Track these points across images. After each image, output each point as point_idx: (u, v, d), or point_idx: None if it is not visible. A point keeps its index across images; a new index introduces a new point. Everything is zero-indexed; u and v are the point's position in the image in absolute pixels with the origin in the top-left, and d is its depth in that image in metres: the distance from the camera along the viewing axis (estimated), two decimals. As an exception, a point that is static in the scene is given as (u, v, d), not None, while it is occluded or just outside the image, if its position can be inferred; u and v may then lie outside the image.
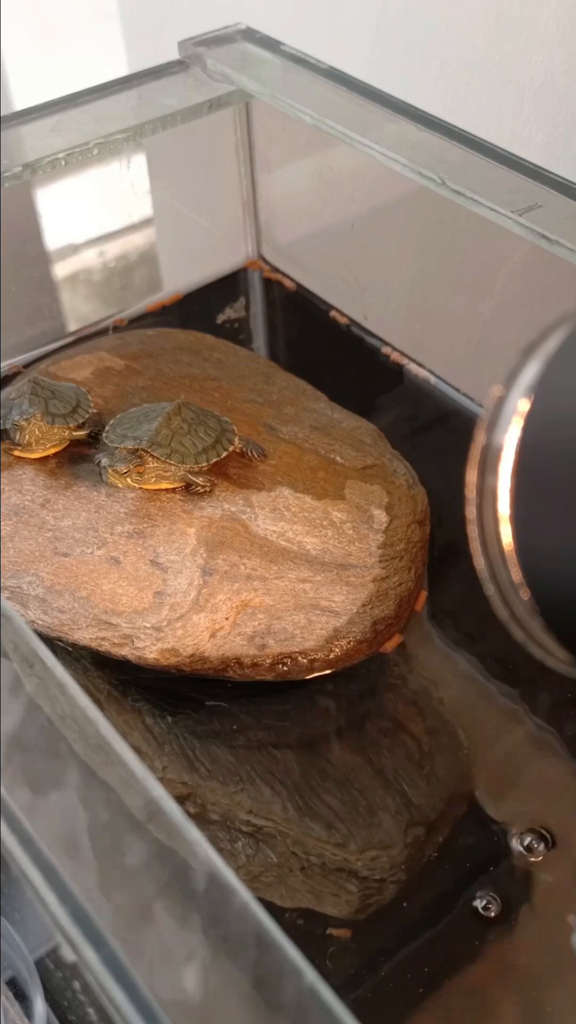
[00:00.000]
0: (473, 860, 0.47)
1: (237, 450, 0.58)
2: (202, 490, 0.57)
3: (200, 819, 0.48)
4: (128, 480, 0.55)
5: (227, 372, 0.67)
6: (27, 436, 0.57)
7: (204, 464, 0.56)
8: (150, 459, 0.55)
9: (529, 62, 0.65)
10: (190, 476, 0.56)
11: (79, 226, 0.82)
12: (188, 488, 0.57)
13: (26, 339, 0.75)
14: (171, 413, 0.56)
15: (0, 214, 0.68)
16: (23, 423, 0.57)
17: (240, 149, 0.76)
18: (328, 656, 0.52)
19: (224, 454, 0.57)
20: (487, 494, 0.29)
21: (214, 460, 0.56)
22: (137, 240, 0.83)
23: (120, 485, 0.56)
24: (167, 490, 0.57)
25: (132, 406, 0.62)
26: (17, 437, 0.57)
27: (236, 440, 0.58)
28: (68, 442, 0.59)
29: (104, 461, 0.55)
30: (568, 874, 0.46)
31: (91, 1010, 0.36)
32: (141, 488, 0.56)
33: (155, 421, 0.56)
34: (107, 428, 0.58)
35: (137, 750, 0.50)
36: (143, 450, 0.55)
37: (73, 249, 0.82)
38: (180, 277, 0.81)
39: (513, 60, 0.66)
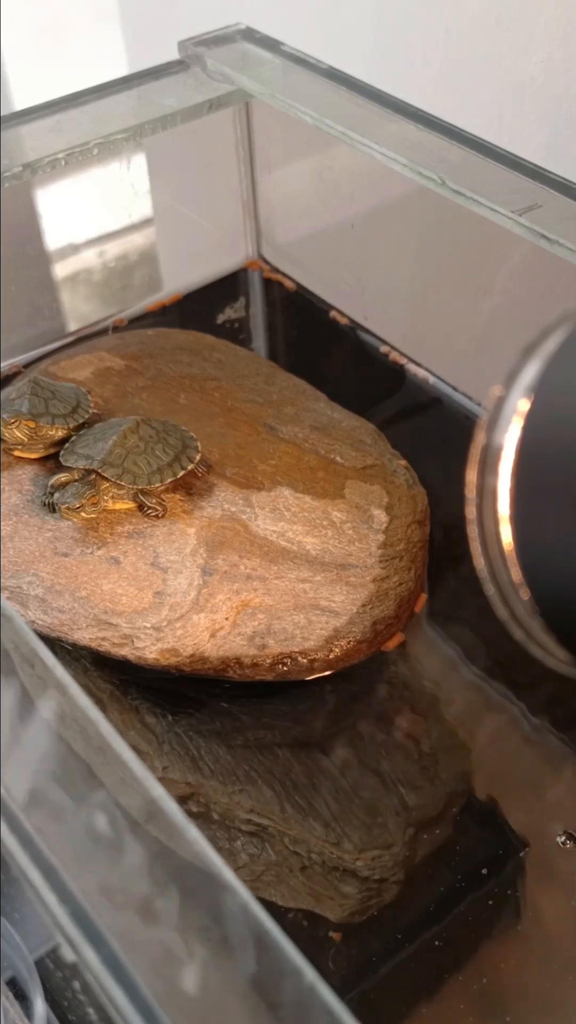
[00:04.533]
0: (473, 860, 0.47)
1: (197, 472, 0.56)
2: (153, 513, 0.55)
3: (200, 818, 0.48)
4: (82, 514, 0.53)
5: (227, 372, 0.67)
6: (19, 434, 0.57)
7: (158, 484, 0.54)
8: (101, 480, 0.53)
9: (529, 62, 0.65)
10: (141, 497, 0.55)
11: (79, 226, 0.82)
12: (141, 509, 0.55)
13: (26, 339, 0.75)
14: (127, 431, 0.55)
15: (0, 214, 0.68)
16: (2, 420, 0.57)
17: (240, 149, 0.76)
18: (328, 656, 0.52)
19: (181, 473, 0.55)
20: (487, 494, 0.29)
21: (169, 480, 0.55)
22: (137, 240, 0.83)
23: (75, 520, 0.54)
24: (125, 511, 0.55)
25: (132, 406, 0.62)
26: (8, 437, 0.58)
27: (198, 458, 0.56)
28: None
29: (57, 496, 0.53)
30: (573, 871, 0.46)
31: (91, 1010, 0.36)
32: (102, 514, 0.54)
33: (110, 440, 0.54)
34: (67, 444, 0.56)
35: (137, 750, 0.50)
36: (95, 471, 0.53)
37: (73, 249, 0.82)
38: (180, 277, 0.81)
39: (513, 60, 0.66)
